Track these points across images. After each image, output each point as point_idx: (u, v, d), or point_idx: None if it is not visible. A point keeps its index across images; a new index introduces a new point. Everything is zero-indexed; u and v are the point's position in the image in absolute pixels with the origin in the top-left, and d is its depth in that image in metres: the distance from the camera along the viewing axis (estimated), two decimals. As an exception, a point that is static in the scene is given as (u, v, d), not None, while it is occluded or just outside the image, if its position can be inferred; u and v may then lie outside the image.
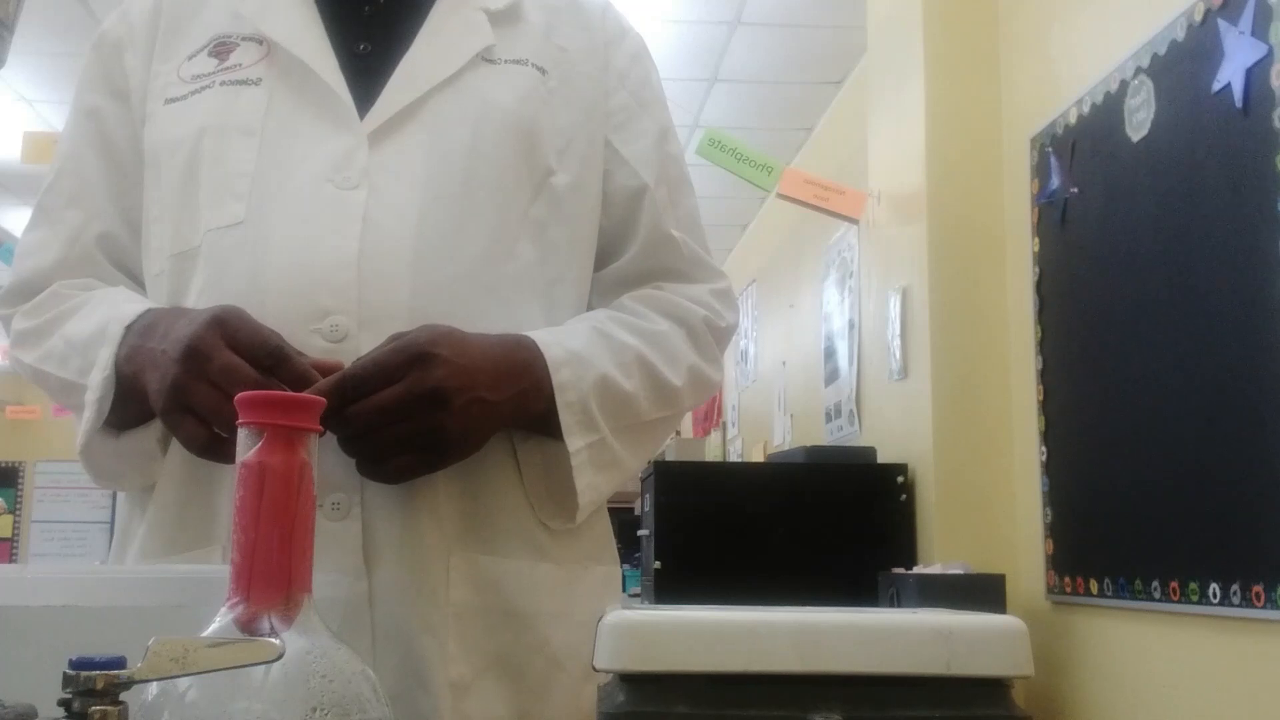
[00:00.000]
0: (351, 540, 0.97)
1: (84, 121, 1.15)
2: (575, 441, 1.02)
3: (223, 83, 1.07)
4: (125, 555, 1.08)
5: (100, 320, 1.03)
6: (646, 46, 1.24)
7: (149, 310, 1.02)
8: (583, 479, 1.02)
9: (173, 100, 1.09)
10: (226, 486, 0.99)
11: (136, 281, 1.12)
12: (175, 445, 1.03)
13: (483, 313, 1.02)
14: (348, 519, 0.97)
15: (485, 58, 1.10)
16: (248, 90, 1.06)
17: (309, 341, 0.97)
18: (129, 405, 1.00)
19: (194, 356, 0.91)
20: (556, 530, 1.06)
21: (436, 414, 0.93)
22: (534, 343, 1.01)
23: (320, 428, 0.62)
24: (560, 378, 1.01)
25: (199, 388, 0.91)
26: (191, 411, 0.92)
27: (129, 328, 1.00)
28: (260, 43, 1.08)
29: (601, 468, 1.04)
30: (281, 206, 1.02)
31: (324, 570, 0.94)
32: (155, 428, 1.02)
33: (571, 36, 1.16)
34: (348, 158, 1.03)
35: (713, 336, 1.15)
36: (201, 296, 1.03)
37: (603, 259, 1.16)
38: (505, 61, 1.11)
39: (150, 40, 1.13)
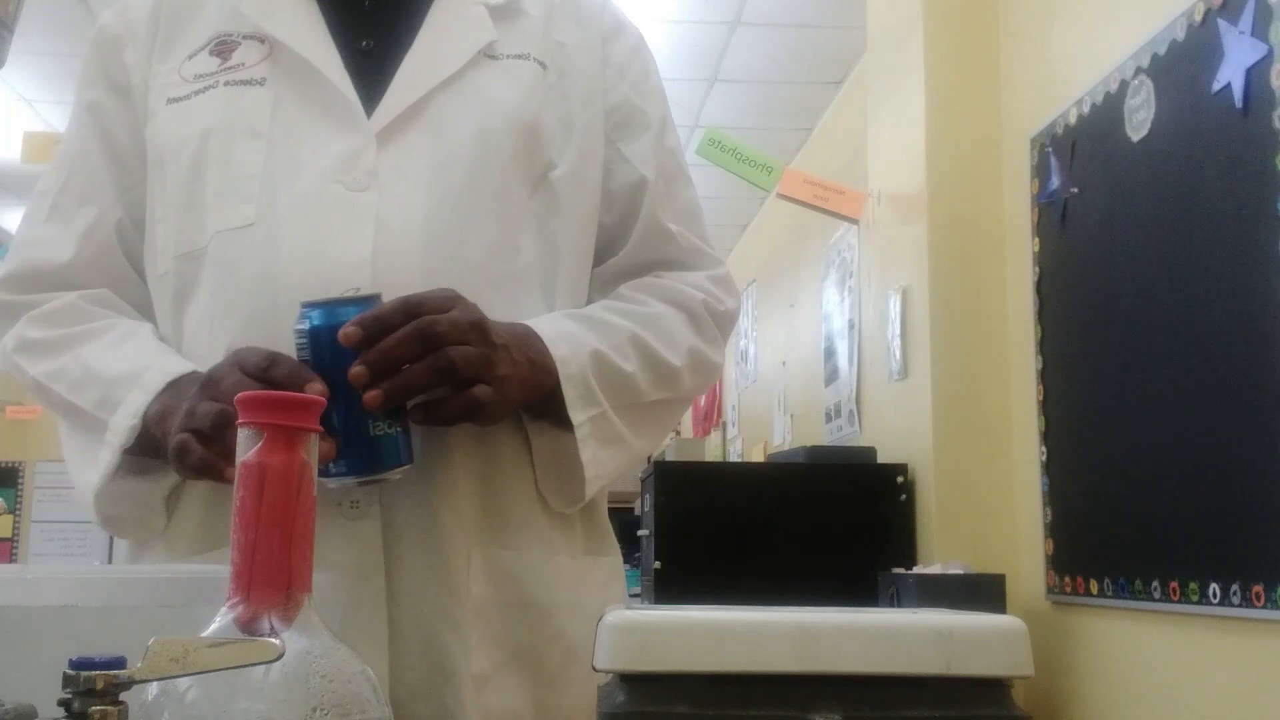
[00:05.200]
0: (371, 538, 0.98)
1: (87, 117, 1.14)
2: (578, 415, 1.02)
3: (226, 83, 1.07)
4: (143, 556, 1.08)
5: (133, 362, 1.02)
6: (644, 40, 1.24)
7: (193, 372, 1.00)
8: (587, 452, 1.03)
9: (175, 100, 1.08)
10: None
11: (144, 279, 1.12)
12: None
13: (490, 308, 1.02)
14: (367, 517, 0.98)
15: (487, 54, 1.10)
16: (252, 90, 1.06)
17: None
18: (141, 458, 1.00)
19: (209, 384, 0.93)
20: (566, 524, 1.07)
21: (470, 336, 0.93)
22: (526, 324, 1.03)
23: (320, 427, 0.62)
24: (558, 351, 1.01)
25: (205, 406, 0.91)
26: (194, 431, 0.91)
27: (172, 384, 0.99)
28: (262, 41, 1.08)
29: (605, 443, 1.05)
30: (292, 208, 1.02)
31: (343, 568, 0.95)
32: (164, 483, 1.02)
33: (570, 31, 1.16)
34: (355, 158, 1.03)
35: (713, 320, 1.16)
36: (213, 299, 1.03)
37: (602, 255, 1.16)
38: (507, 57, 1.11)
39: (150, 38, 1.12)
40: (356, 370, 0.89)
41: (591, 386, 1.03)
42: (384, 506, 0.99)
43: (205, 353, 1.03)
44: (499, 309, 1.03)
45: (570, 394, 1.02)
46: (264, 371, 0.91)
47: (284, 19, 1.08)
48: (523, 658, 1.03)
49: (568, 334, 1.03)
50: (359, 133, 1.03)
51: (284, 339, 0.98)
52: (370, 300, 0.93)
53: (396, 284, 0.99)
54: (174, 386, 0.99)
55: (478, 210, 1.05)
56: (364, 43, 1.09)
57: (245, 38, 1.09)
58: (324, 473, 0.90)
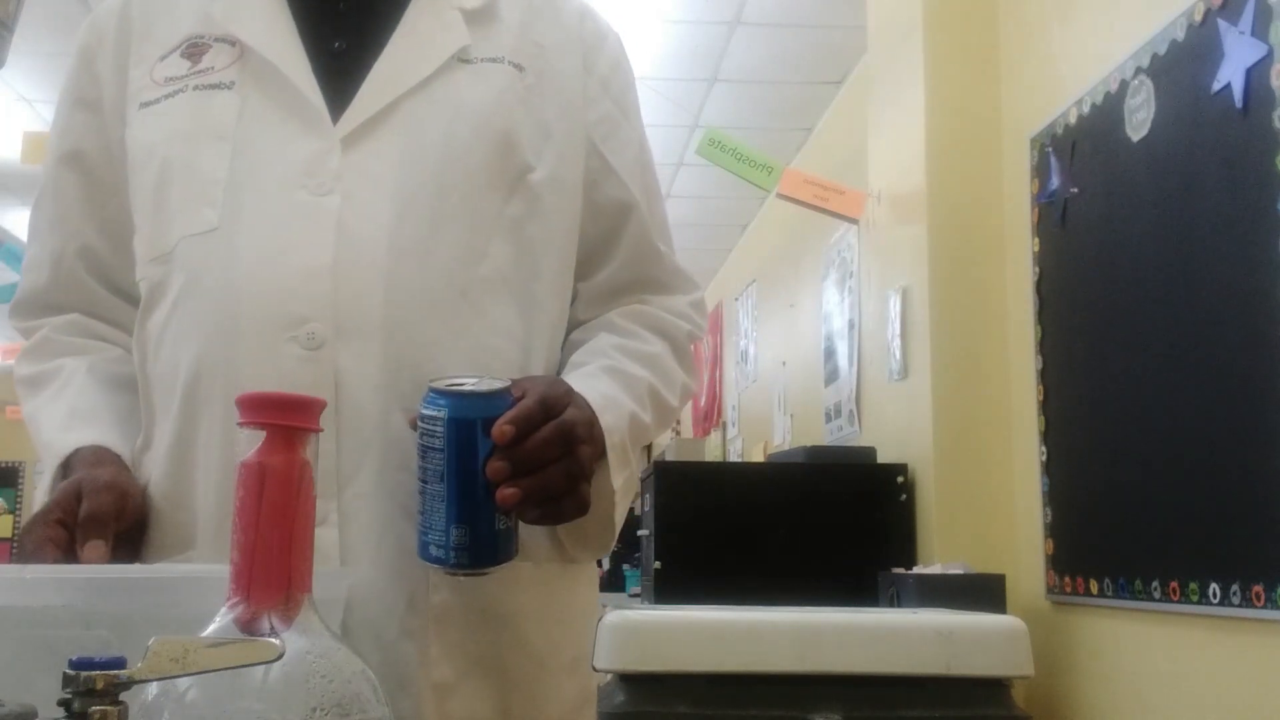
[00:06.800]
0: (328, 548, 0.97)
1: (59, 138, 1.15)
2: (617, 480, 1.04)
3: (195, 87, 1.06)
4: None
5: (49, 434, 1.08)
6: (624, 48, 1.23)
7: (76, 451, 1.04)
8: (618, 511, 1.05)
9: (146, 105, 1.08)
10: (199, 491, 1.00)
11: (122, 293, 1.13)
12: (156, 447, 1.04)
13: (457, 315, 1.02)
14: (324, 526, 0.97)
15: (460, 58, 1.09)
16: (220, 94, 1.05)
17: (285, 349, 0.98)
18: None
19: (24, 534, 0.97)
20: (538, 530, 1.07)
21: (589, 434, 0.97)
22: (575, 391, 1.03)
23: (320, 427, 0.62)
24: (605, 421, 1.02)
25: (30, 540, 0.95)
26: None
27: (61, 465, 1.04)
28: (233, 44, 1.07)
29: (626, 494, 1.07)
30: (254, 213, 1.02)
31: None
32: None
33: (548, 33, 1.15)
34: (320, 162, 1.02)
35: (690, 347, 1.20)
36: (178, 304, 1.03)
37: (586, 268, 1.16)
38: (480, 61, 1.10)
39: (121, 44, 1.12)
40: (499, 465, 0.90)
41: (627, 451, 1.05)
42: (341, 516, 0.98)
43: (170, 360, 1.03)
44: (465, 316, 1.03)
45: (614, 461, 1.03)
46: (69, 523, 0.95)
47: (253, 22, 1.07)
48: (486, 665, 1.02)
49: (610, 400, 1.04)
50: (324, 137, 1.03)
51: (244, 346, 0.99)
52: (502, 394, 0.93)
53: (358, 290, 0.99)
54: (62, 469, 1.03)
55: (444, 215, 1.04)
56: (336, 43, 1.08)
57: (216, 40, 1.08)
58: (436, 560, 0.92)
